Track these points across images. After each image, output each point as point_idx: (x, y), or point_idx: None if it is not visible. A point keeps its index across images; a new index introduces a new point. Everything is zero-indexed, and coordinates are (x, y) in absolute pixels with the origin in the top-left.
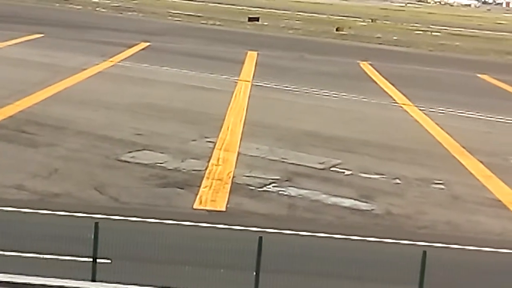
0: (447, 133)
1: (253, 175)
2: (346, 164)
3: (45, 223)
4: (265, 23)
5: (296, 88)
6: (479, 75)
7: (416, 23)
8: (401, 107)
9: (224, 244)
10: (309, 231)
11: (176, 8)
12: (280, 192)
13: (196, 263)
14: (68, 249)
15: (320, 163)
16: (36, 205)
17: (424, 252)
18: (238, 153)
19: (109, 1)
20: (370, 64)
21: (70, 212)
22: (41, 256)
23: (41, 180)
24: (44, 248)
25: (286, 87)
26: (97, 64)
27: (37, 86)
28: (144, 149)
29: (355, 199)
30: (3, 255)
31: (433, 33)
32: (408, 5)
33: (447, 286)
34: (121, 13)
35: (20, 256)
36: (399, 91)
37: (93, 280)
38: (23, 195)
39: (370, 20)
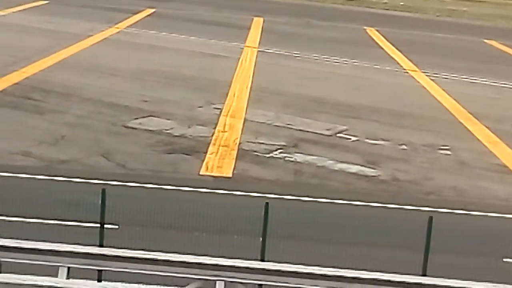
0: (453, 99)
1: (260, 141)
2: (353, 130)
3: (52, 190)
4: None
5: (302, 54)
6: (486, 41)
7: None
8: (408, 73)
9: (230, 210)
10: (315, 197)
11: None
12: (287, 158)
13: (203, 229)
14: (76, 215)
15: (326, 129)
16: (42, 171)
17: (430, 218)
18: (245, 120)
19: None
20: (377, 30)
21: (77, 179)
22: (49, 221)
23: (47, 147)
24: (51, 214)
25: (292, 53)
26: (103, 31)
27: (42, 53)
28: (150, 116)
29: (361, 165)
30: (11, 220)
31: None
32: None
33: (453, 251)
34: None
35: (27, 221)
36: (406, 57)
37: (101, 246)
38: (29, 161)
39: None
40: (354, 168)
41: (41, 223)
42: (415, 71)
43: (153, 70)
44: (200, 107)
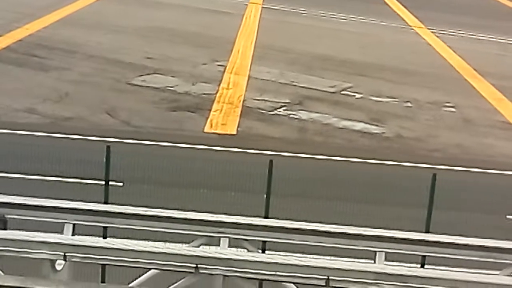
0: (459, 56)
1: (264, 98)
2: (357, 87)
3: (56, 146)
4: None
5: (308, 11)
6: None
7: None
8: (414, 30)
9: (234, 167)
10: (319, 154)
11: None
12: (291, 115)
13: (207, 186)
14: (80, 172)
15: (331, 87)
16: (47, 128)
17: (434, 175)
18: (249, 77)
19: None
20: None
21: (82, 136)
22: (53, 178)
23: (52, 104)
24: (56, 170)
25: (298, 9)
26: None
27: (45, 10)
28: (154, 73)
29: (365, 122)
30: (15, 177)
31: None
32: None
33: (456, 209)
34: None
35: (31, 178)
36: (412, 13)
37: (106, 203)
38: (34, 118)
39: None
40: (359, 126)
41: (46, 180)
42: (421, 27)
43: (157, 27)
44: (204, 64)
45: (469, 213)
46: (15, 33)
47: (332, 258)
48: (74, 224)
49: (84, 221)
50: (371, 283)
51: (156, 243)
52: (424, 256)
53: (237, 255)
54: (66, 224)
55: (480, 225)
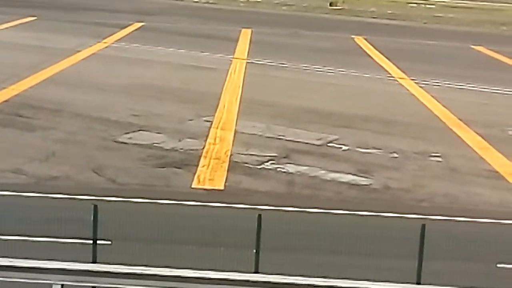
0: (443, 105)
1: (251, 153)
2: (344, 139)
3: (43, 206)
4: (258, 0)
5: (291, 65)
6: (474, 47)
7: None
8: (397, 81)
9: (223, 223)
10: (308, 208)
11: None
12: (278, 169)
13: (196, 242)
14: (68, 232)
15: (317, 139)
16: (34, 188)
17: (423, 225)
18: (235, 132)
19: None
20: (365, 39)
21: (69, 195)
22: (41, 239)
23: (38, 164)
24: (43, 231)
25: (281, 64)
26: (91, 46)
27: (31, 70)
28: (140, 130)
29: (353, 174)
30: (3, 239)
31: (428, 6)
32: None
33: (446, 258)
34: None
35: (19, 239)
36: (395, 65)
37: (94, 262)
38: (21, 179)
39: None
40: (346, 178)
41: (33, 240)
42: (404, 78)
43: (142, 84)
44: (190, 120)
45: (459, 262)
46: (0, 94)
47: None
48: (62, 285)
49: (72, 281)
50: None
51: None
52: None
53: None
54: (54, 285)
55: (471, 274)
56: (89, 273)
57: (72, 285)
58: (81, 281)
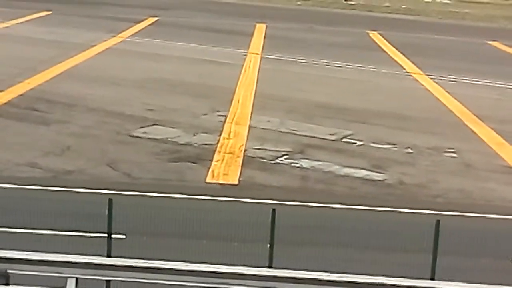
0: (458, 101)
1: (265, 147)
2: (358, 134)
3: (58, 200)
4: None
5: (306, 60)
6: (489, 42)
7: None
8: (412, 76)
9: (237, 217)
10: (322, 203)
11: None
12: (292, 164)
13: (210, 237)
14: (83, 225)
15: (331, 134)
16: (49, 182)
17: (438, 221)
18: (249, 126)
19: None
20: (380, 34)
21: (84, 189)
22: (56, 232)
23: (53, 158)
24: (58, 224)
25: (296, 58)
26: (106, 40)
27: (46, 64)
28: (155, 124)
29: (367, 170)
30: (18, 232)
31: (443, 1)
32: None
33: (460, 254)
34: None
35: (33, 233)
36: (409, 60)
37: (109, 256)
38: (36, 172)
39: None
40: (360, 173)
41: (48, 234)
42: (419, 74)
43: (157, 78)
44: (205, 114)
45: (473, 258)
46: (16, 88)
47: None
48: (77, 278)
49: (87, 275)
50: None
51: None
52: None
53: None
54: (69, 278)
55: (485, 270)
56: (104, 267)
57: (86, 279)
58: (96, 275)
